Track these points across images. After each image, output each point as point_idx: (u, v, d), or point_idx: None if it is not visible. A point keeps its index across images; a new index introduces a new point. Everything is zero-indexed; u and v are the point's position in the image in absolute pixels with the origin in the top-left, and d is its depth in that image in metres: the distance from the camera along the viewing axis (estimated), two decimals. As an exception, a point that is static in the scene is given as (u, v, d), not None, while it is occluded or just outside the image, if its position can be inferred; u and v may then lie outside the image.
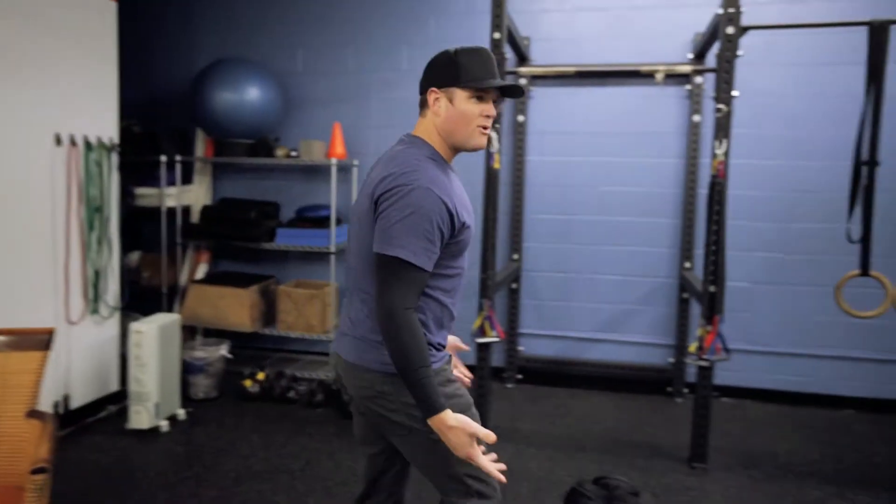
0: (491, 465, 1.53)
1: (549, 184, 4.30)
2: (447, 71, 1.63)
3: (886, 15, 2.92)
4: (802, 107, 3.94)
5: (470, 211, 1.66)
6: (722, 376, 4.10)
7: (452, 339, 1.88)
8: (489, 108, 1.64)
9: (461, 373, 1.91)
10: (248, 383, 3.97)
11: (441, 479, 1.66)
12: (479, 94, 1.63)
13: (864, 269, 3.06)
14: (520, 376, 4.39)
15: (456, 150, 1.69)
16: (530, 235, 4.35)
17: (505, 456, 3.25)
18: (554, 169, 4.28)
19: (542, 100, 4.27)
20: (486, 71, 1.62)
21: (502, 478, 1.54)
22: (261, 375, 4.03)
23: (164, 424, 3.48)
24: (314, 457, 3.24)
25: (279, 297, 4.35)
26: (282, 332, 4.35)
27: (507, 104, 4.27)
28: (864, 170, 3.00)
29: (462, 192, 1.68)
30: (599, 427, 3.68)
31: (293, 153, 4.30)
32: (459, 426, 1.50)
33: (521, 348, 4.40)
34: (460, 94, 1.62)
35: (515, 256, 4.30)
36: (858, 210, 3.04)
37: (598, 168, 4.22)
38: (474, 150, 1.68)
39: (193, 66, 4.66)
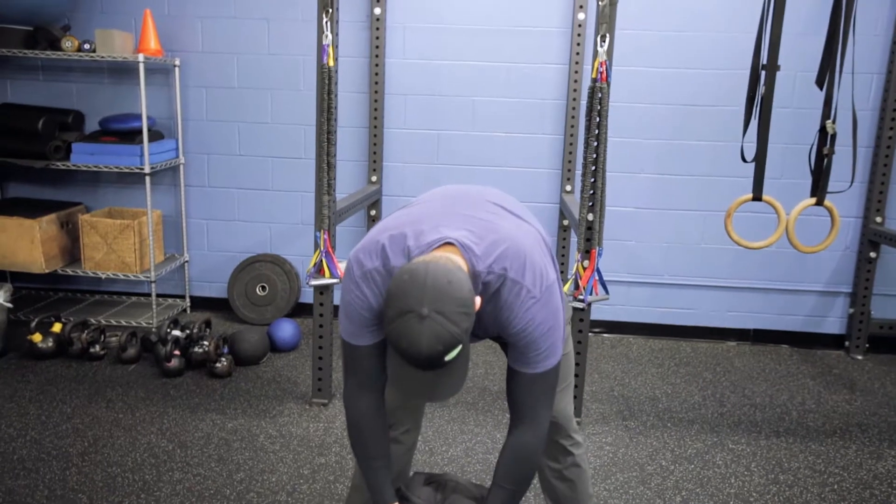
0: None
1: (414, 92, 3.63)
2: None
3: None
4: (695, 3, 3.44)
5: None
6: (604, 311, 3.73)
7: None
8: None
9: None
10: (37, 338, 3.18)
11: None
12: None
13: (758, 194, 2.66)
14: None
15: None
16: (391, 154, 3.70)
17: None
18: (419, 74, 3.61)
19: (405, -12, 3.54)
20: None
21: None
22: (56, 327, 3.26)
23: None
24: (104, 433, 2.57)
25: (83, 230, 3.52)
26: (89, 271, 3.55)
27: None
28: (762, 77, 2.55)
29: None
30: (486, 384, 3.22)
31: (86, 46, 3.37)
32: None
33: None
34: None
35: (374, 179, 3.65)
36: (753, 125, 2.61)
37: (470, 73, 3.58)
38: None
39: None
